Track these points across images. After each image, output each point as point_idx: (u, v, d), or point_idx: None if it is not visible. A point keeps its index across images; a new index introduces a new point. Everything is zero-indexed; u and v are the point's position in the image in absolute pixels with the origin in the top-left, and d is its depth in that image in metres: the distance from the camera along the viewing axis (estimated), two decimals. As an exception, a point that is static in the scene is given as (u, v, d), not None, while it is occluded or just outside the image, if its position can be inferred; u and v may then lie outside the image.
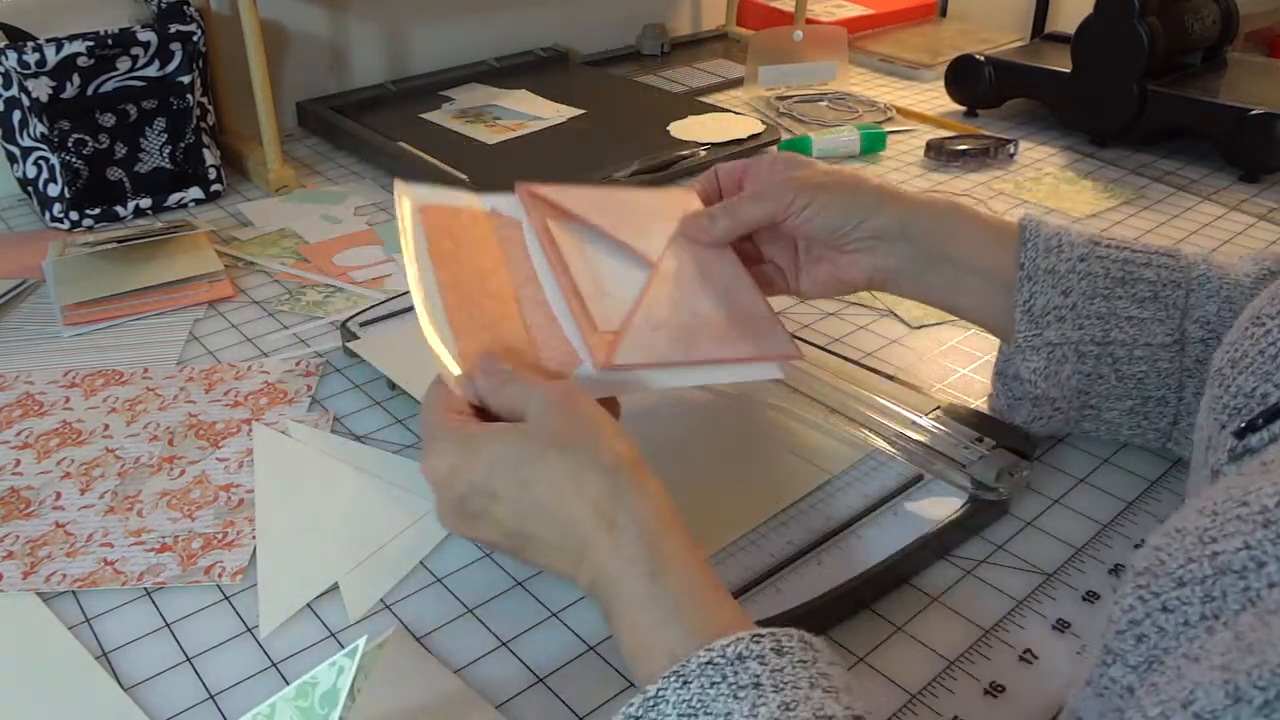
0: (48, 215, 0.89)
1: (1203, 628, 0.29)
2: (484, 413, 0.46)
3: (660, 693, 0.34)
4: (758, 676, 0.33)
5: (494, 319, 0.49)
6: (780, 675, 0.33)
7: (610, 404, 0.49)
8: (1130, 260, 0.54)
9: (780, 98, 1.22)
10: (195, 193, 0.94)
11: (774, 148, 1.08)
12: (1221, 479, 0.36)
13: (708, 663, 0.34)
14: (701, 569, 0.39)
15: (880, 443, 0.58)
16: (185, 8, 0.91)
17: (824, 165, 0.59)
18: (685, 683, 0.33)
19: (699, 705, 0.33)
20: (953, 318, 0.74)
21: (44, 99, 0.85)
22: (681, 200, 0.59)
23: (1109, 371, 0.54)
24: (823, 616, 0.47)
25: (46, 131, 0.86)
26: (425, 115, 1.12)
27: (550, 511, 0.41)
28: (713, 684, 0.33)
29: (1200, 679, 0.26)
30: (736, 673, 0.33)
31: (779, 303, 0.77)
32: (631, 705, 0.34)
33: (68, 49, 0.84)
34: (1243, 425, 0.37)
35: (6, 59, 0.82)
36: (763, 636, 0.35)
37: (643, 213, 0.57)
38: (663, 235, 0.56)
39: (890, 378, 0.64)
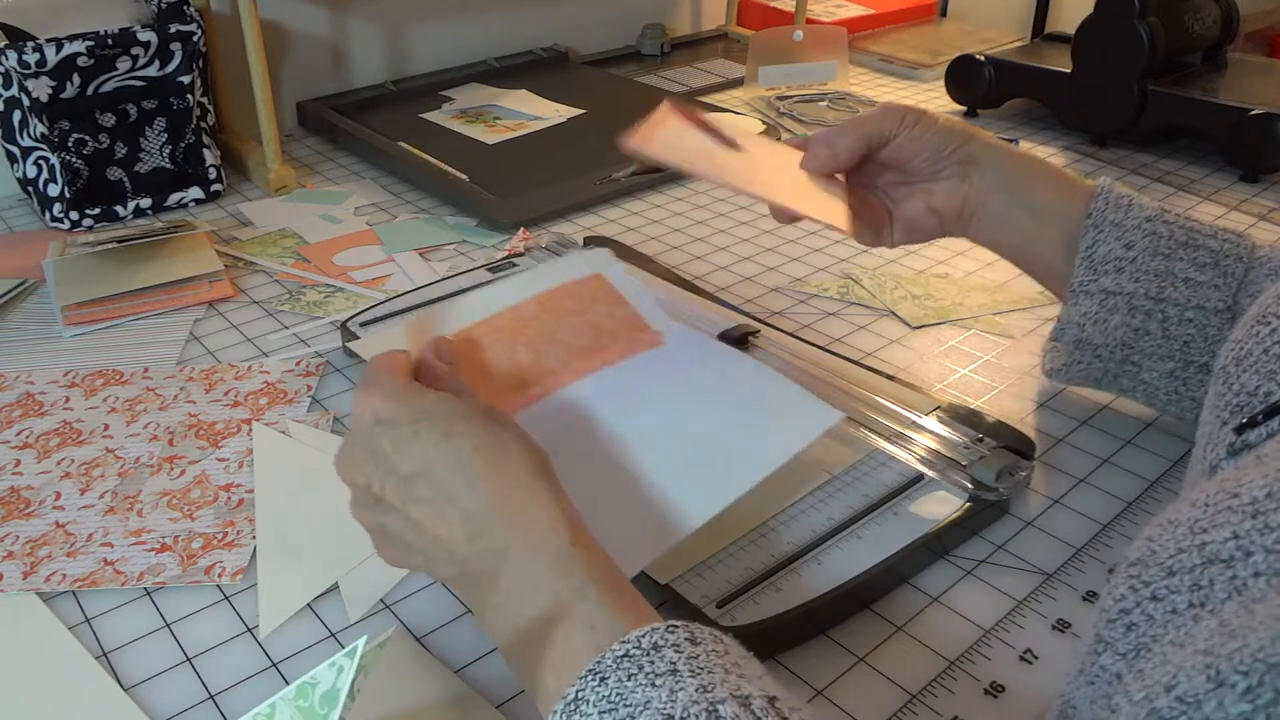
0: (48, 215, 0.89)
1: (1189, 616, 0.29)
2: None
3: (579, 694, 0.33)
4: (674, 664, 0.33)
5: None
6: (696, 662, 0.33)
7: None
8: (1196, 229, 0.56)
9: (780, 98, 1.22)
10: (195, 193, 0.94)
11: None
12: (1218, 473, 0.36)
13: (623, 655, 0.34)
14: (609, 562, 0.39)
15: (880, 443, 0.58)
16: (185, 8, 0.91)
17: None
18: (603, 679, 0.33)
19: (618, 699, 0.33)
20: (953, 318, 0.74)
21: (44, 99, 0.85)
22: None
23: (1157, 328, 0.55)
24: (823, 616, 0.47)
25: (46, 131, 0.86)
26: (425, 115, 1.12)
27: (466, 464, 0.40)
28: (630, 675, 0.33)
29: (1183, 663, 0.26)
30: (653, 662, 0.33)
31: (778, 301, 0.77)
32: (554, 714, 0.34)
33: (68, 49, 0.84)
34: (1243, 421, 0.37)
35: (6, 59, 0.82)
36: (677, 627, 0.35)
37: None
38: None
39: (890, 378, 0.64)
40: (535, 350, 0.53)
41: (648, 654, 0.34)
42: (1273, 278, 0.53)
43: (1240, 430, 0.37)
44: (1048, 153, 1.07)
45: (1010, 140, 1.05)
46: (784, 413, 0.52)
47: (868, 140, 0.60)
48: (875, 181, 0.63)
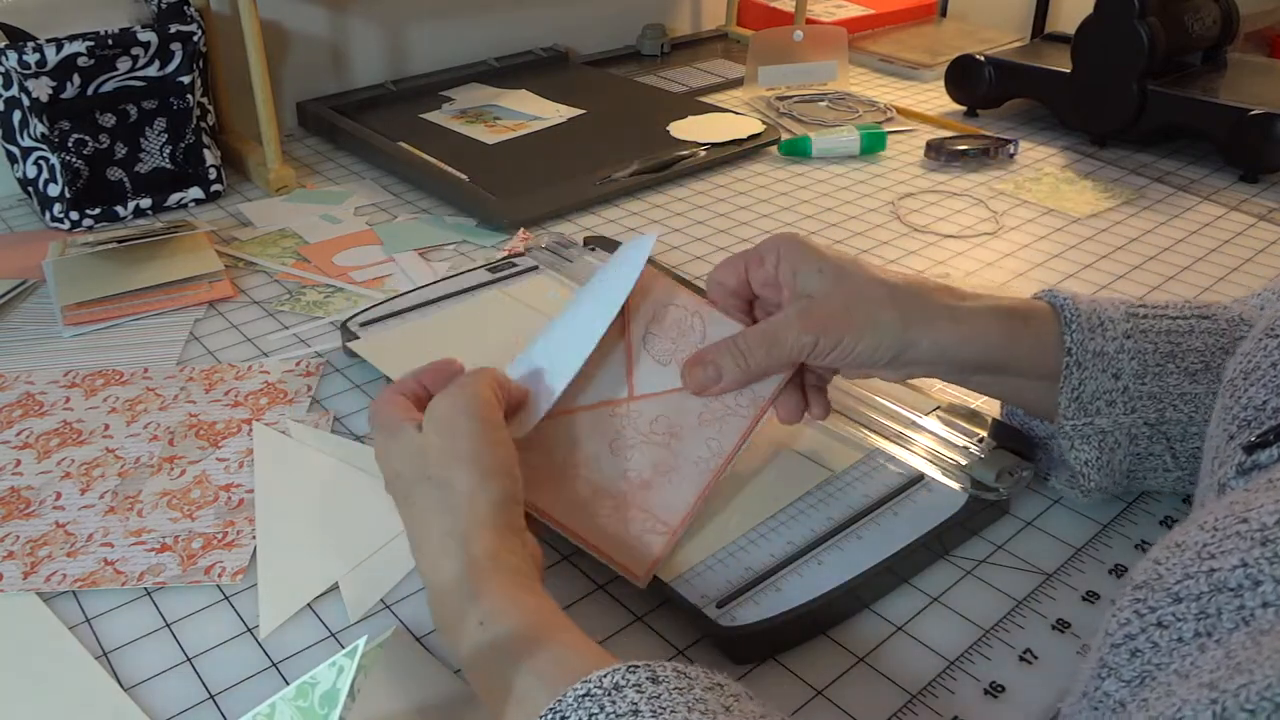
0: (48, 215, 0.89)
1: (1195, 645, 0.29)
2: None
3: None
4: (635, 704, 0.33)
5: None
6: (658, 701, 0.33)
7: None
8: (1174, 330, 0.51)
9: (780, 98, 1.22)
10: (195, 193, 0.94)
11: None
12: (1227, 494, 0.36)
13: (584, 694, 0.34)
14: (539, 608, 0.40)
15: (880, 443, 0.58)
16: (185, 8, 0.91)
17: (833, 267, 0.50)
18: (563, 718, 0.33)
19: None
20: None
21: (44, 99, 0.85)
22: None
23: (1162, 450, 0.52)
24: (823, 616, 0.47)
25: (47, 131, 0.86)
26: (425, 115, 1.12)
27: (412, 536, 0.45)
28: (590, 715, 0.33)
29: (1188, 696, 0.25)
30: (614, 702, 0.33)
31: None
32: None
33: (68, 49, 0.84)
34: (1253, 440, 0.36)
35: (6, 59, 0.82)
36: (638, 667, 0.35)
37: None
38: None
39: (890, 378, 0.64)
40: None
41: (609, 694, 0.34)
42: None
43: (1250, 449, 0.36)
44: (1048, 153, 1.07)
45: (1010, 140, 1.05)
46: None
47: (759, 378, 0.51)
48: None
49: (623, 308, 0.52)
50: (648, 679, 0.34)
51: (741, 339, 0.51)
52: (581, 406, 0.52)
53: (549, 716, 0.34)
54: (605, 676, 0.34)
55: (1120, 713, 0.31)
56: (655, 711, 0.33)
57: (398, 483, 0.45)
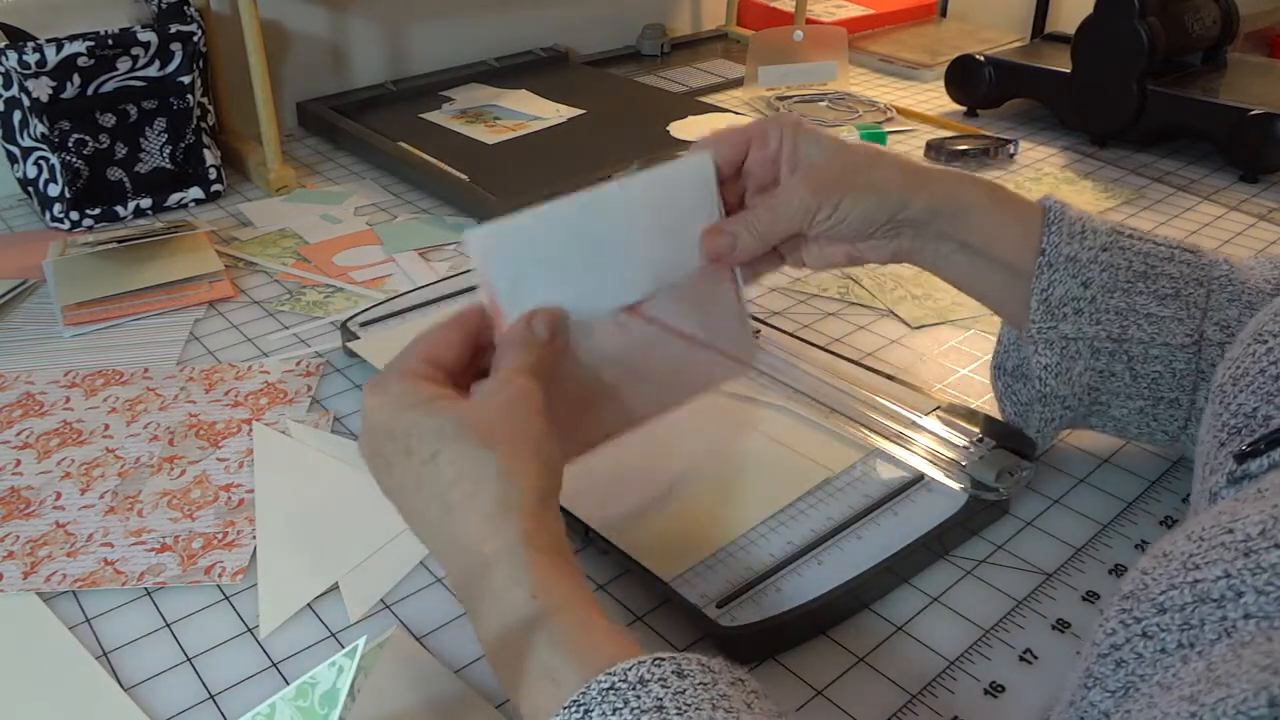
0: (48, 215, 0.89)
1: (1178, 656, 0.29)
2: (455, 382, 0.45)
3: None
4: (660, 700, 0.33)
5: None
6: (683, 698, 0.33)
7: None
8: (1152, 254, 0.52)
9: (780, 98, 1.22)
10: (195, 193, 0.94)
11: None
12: (1217, 503, 0.36)
13: (609, 688, 0.33)
14: (585, 597, 0.38)
15: (880, 443, 0.58)
16: (185, 8, 0.91)
17: (833, 140, 0.53)
18: (586, 711, 0.33)
19: None
20: (953, 318, 0.74)
21: (44, 99, 0.85)
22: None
23: (1123, 369, 0.52)
24: (823, 616, 0.47)
25: (47, 131, 0.86)
26: (425, 115, 1.12)
27: (446, 498, 0.40)
28: (615, 710, 0.32)
29: (1169, 709, 0.25)
30: (639, 696, 0.33)
31: (778, 301, 0.77)
32: None
33: (68, 49, 0.84)
34: (1244, 449, 0.36)
35: (6, 59, 0.82)
36: (663, 660, 0.34)
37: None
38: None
39: (890, 378, 0.64)
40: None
41: (633, 688, 0.33)
42: (1235, 304, 0.51)
43: (1241, 458, 0.36)
44: (1048, 153, 1.07)
45: (1010, 140, 1.05)
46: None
47: (772, 244, 0.52)
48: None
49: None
50: (673, 673, 0.34)
51: (750, 212, 0.52)
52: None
53: (573, 708, 0.33)
54: (630, 669, 0.34)
55: None
56: (680, 709, 0.32)
57: (418, 436, 0.41)
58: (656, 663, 0.34)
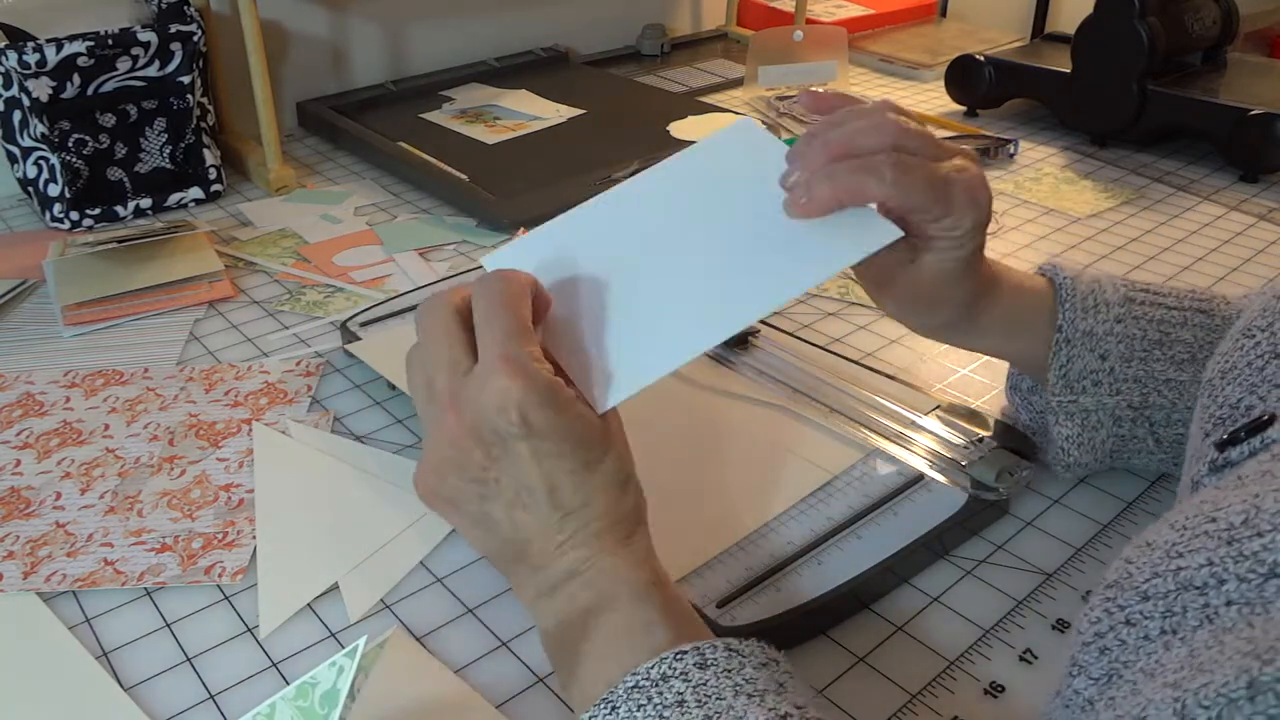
0: (48, 215, 0.89)
1: (1161, 643, 0.29)
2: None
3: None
4: (681, 694, 0.34)
5: None
6: (704, 689, 0.34)
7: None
8: (1165, 320, 0.52)
9: (780, 98, 1.22)
10: (195, 193, 0.94)
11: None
12: (1199, 492, 0.36)
13: (634, 687, 0.35)
14: (642, 576, 0.40)
15: (880, 443, 0.58)
16: (185, 8, 0.91)
17: (946, 144, 0.47)
18: (614, 708, 0.34)
19: None
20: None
21: (44, 99, 0.85)
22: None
23: (1145, 434, 0.53)
24: (823, 616, 0.47)
25: (46, 131, 0.86)
26: (425, 115, 1.12)
27: (564, 486, 0.38)
28: (639, 707, 0.34)
29: (1153, 696, 0.26)
30: (661, 693, 0.34)
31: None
32: None
33: (68, 49, 0.84)
34: (1224, 437, 0.37)
35: (6, 59, 0.82)
36: (686, 652, 0.35)
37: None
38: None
39: (890, 378, 0.64)
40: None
41: (656, 685, 0.34)
42: None
43: (1222, 446, 0.37)
44: (1048, 152, 1.07)
45: (1010, 140, 1.05)
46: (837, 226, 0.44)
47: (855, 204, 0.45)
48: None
49: None
50: (695, 665, 0.35)
51: (841, 168, 0.44)
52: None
53: (602, 705, 0.35)
54: (653, 667, 0.35)
55: (1089, 711, 0.31)
56: (700, 701, 0.34)
57: (540, 439, 0.38)
58: (679, 656, 0.35)
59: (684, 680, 0.34)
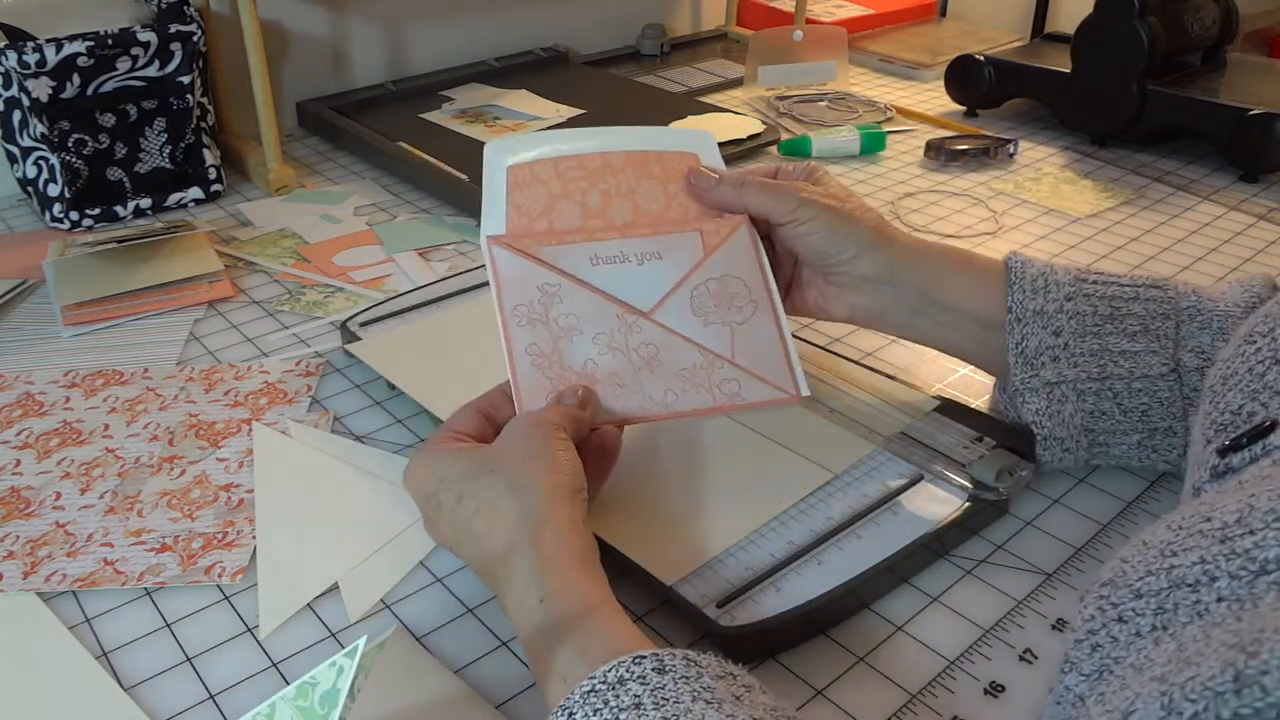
0: (48, 215, 0.89)
1: (1151, 639, 0.29)
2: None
3: None
4: (638, 697, 0.34)
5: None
6: (661, 693, 0.34)
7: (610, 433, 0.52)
8: (1117, 296, 0.54)
9: (780, 98, 1.22)
10: (195, 193, 0.94)
11: (774, 149, 1.07)
12: (1200, 496, 0.36)
13: (590, 691, 0.34)
14: (596, 592, 0.41)
15: (880, 443, 0.58)
16: (185, 8, 0.91)
17: (843, 188, 0.58)
18: (570, 715, 0.34)
19: None
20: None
21: (44, 99, 0.85)
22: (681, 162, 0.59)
23: (1111, 406, 0.54)
24: (822, 616, 0.47)
25: (46, 131, 0.86)
26: (425, 115, 1.12)
27: (472, 528, 0.44)
28: (595, 710, 0.34)
29: (1141, 690, 0.26)
30: (618, 696, 0.34)
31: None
32: None
33: (68, 49, 0.84)
34: (1226, 443, 0.37)
35: (6, 59, 0.82)
36: (644, 657, 0.35)
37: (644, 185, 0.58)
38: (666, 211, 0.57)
39: (890, 377, 0.64)
40: (606, 199, 0.56)
41: (612, 688, 0.34)
42: (1206, 330, 0.52)
43: (1223, 453, 0.37)
44: (1048, 152, 1.07)
45: (1010, 140, 1.05)
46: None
47: (744, 208, 0.57)
48: (773, 255, 0.59)
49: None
50: (653, 670, 0.35)
51: (751, 177, 0.57)
52: (601, 292, 0.53)
53: (560, 714, 0.34)
54: (610, 670, 0.35)
55: (1080, 707, 0.31)
56: (657, 704, 0.33)
57: (444, 487, 0.46)
58: (637, 661, 0.35)
59: (641, 683, 0.34)
